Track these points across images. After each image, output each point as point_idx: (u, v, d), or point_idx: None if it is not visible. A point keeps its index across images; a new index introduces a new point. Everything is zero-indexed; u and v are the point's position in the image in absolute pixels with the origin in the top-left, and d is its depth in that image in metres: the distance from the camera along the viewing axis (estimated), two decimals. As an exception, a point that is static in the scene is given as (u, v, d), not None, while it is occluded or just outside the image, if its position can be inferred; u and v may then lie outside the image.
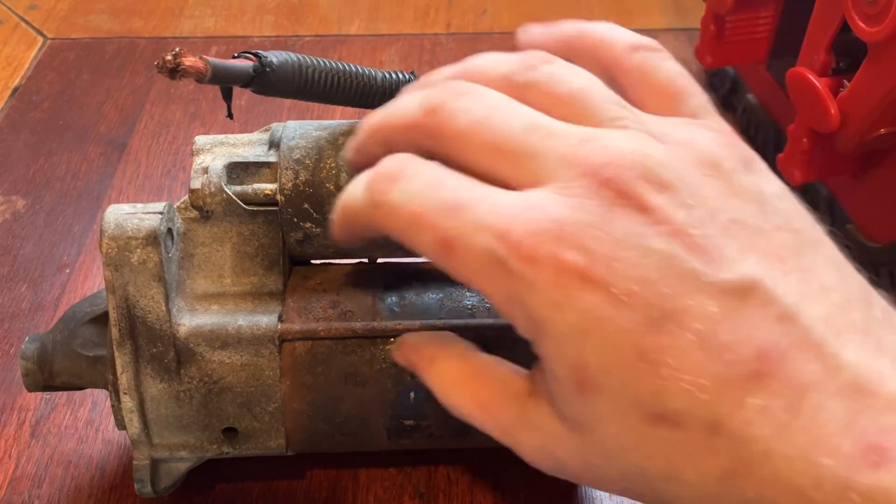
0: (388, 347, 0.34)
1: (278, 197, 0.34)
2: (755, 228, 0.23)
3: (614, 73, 0.29)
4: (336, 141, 0.35)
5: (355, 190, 0.28)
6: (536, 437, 0.27)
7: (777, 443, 0.21)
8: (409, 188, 0.26)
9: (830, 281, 0.23)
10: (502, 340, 0.35)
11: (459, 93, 0.27)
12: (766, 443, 0.21)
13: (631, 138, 0.24)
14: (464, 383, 0.29)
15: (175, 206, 0.34)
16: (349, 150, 0.31)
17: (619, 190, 0.23)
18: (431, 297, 0.35)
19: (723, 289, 0.22)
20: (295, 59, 0.32)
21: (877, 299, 0.24)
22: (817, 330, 0.22)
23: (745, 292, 0.22)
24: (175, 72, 0.29)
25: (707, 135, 0.26)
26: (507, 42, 0.65)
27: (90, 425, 0.41)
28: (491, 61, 0.28)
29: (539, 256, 0.23)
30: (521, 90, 0.27)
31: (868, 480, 0.20)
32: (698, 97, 0.28)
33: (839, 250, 0.24)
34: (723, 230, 0.23)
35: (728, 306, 0.22)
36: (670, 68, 0.28)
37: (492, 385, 0.28)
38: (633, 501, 0.32)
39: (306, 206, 0.34)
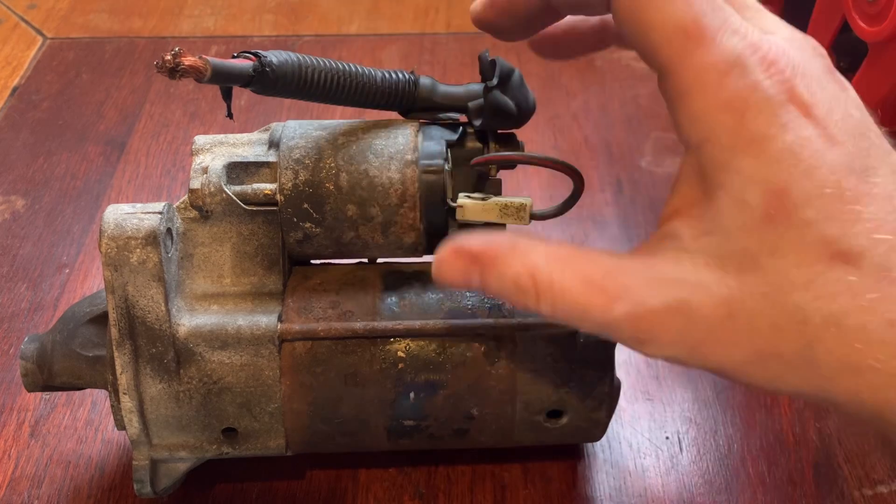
0: (387, 348, 0.34)
1: (278, 197, 0.34)
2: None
3: None
4: (336, 141, 0.35)
5: None
6: (667, 292, 0.26)
7: None
8: None
9: None
10: (502, 341, 0.35)
11: None
12: None
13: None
14: (564, 261, 0.27)
15: (175, 206, 0.34)
16: None
17: (829, 63, 0.27)
18: (431, 297, 0.35)
19: None
20: (295, 59, 0.32)
21: None
22: None
23: None
24: (175, 71, 0.29)
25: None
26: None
27: (90, 425, 0.41)
28: None
29: (779, 74, 0.25)
30: None
31: None
32: None
33: None
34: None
35: None
36: None
37: (594, 257, 0.27)
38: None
39: (306, 205, 0.34)
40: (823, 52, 0.27)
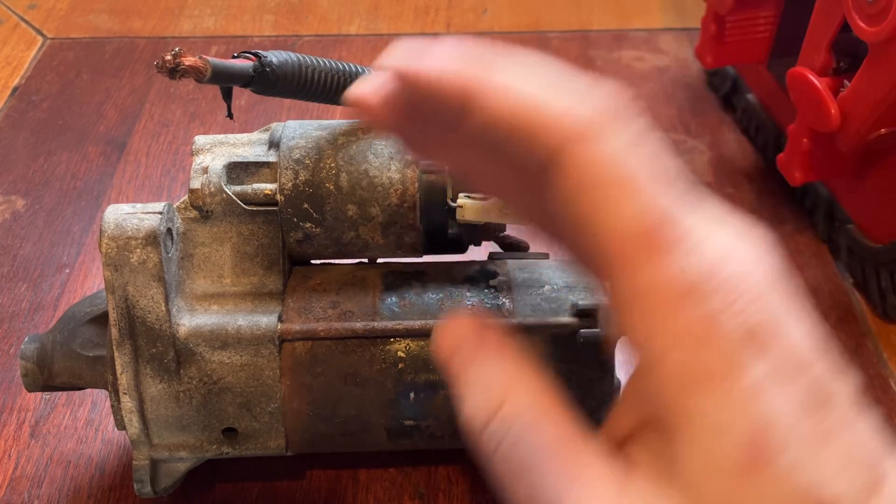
0: (387, 348, 0.34)
1: (278, 197, 0.34)
2: None
3: None
4: (336, 141, 0.35)
5: None
6: None
7: None
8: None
9: None
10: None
11: None
12: None
13: None
14: (542, 419, 0.25)
15: (175, 206, 0.34)
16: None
17: (779, 267, 0.24)
18: (431, 297, 0.35)
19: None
20: (295, 59, 0.32)
21: None
22: None
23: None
24: (175, 72, 0.29)
25: None
26: (507, 42, 0.66)
27: (90, 425, 0.41)
28: None
29: (735, 304, 0.23)
30: None
31: None
32: None
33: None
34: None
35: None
36: None
37: (572, 435, 0.25)
38: None
39: (306, 205, 0.34)
40: (773, 251, 0.24)
